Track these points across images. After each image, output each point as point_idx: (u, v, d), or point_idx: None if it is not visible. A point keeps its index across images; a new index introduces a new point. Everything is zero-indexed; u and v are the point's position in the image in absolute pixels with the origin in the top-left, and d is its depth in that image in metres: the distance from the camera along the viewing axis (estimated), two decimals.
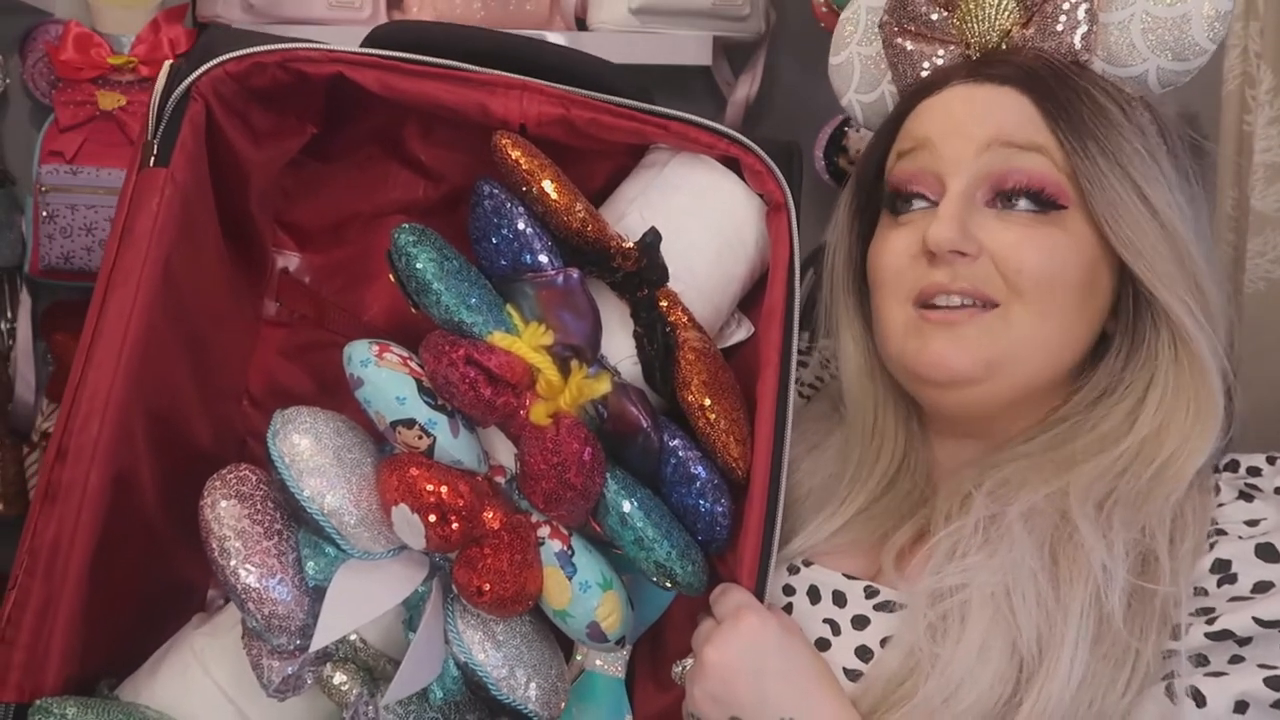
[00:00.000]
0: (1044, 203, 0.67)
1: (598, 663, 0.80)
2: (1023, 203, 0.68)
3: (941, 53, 0.74)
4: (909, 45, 0.74)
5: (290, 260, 0.82)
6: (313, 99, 0.72)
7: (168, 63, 0.68)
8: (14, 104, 1.19)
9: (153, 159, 0.66)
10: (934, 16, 0.72)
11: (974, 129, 0.69)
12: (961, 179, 0.68)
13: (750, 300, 0.78)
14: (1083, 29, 0.71)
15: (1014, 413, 0.72)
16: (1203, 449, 0.66)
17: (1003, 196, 0.68)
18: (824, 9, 1.08)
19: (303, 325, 0.83)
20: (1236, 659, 0.61)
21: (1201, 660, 0.62)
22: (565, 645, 0.75)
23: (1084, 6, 0.71)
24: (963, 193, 0.68)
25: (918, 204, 0.70)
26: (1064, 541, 0.64)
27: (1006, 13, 0.72)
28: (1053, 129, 0.68)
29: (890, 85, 0.79)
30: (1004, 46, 0.73)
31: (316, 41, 0.69)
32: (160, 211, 0.65)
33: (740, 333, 0.77)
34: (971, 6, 0.73)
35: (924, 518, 0.72)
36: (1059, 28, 0.71)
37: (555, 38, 1.11)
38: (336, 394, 0.74)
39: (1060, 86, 0.69)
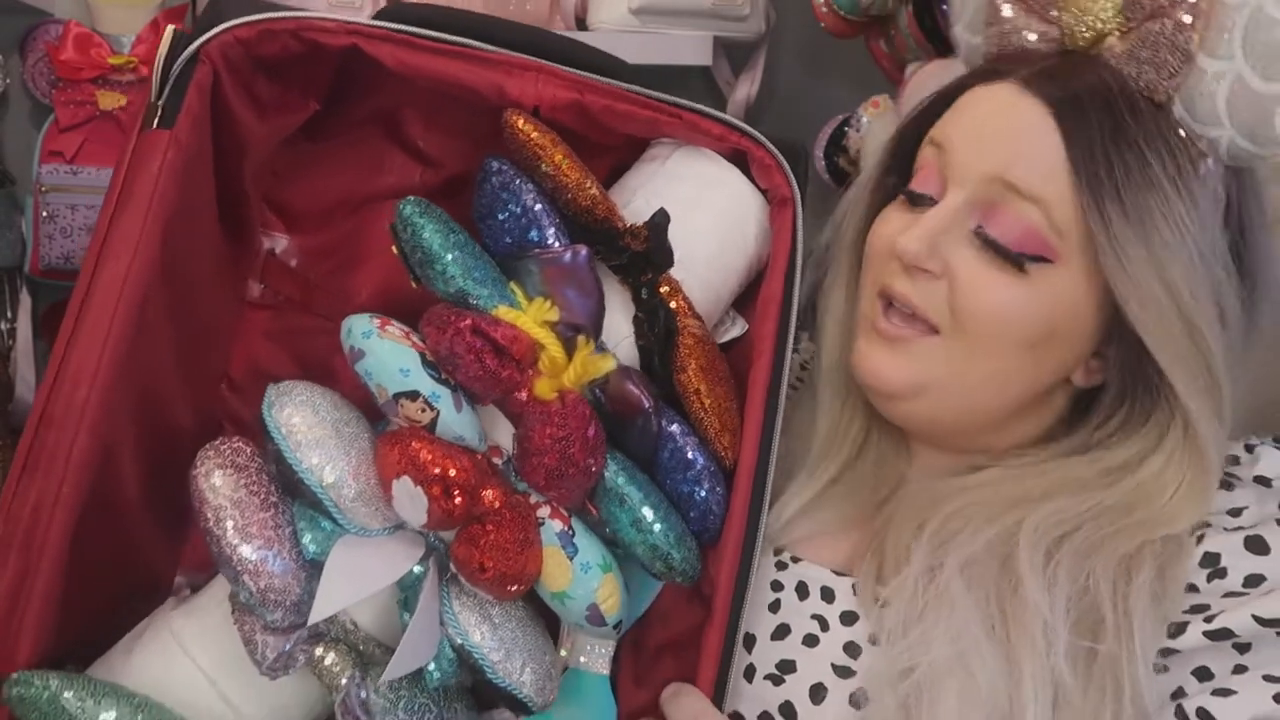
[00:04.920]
0: (1016, 259, 0.66)
1: (582, 659, 0.78)
2: (998, 249, 0.66)
3: (1033, 36, 0.69)
4: (1007, 9, 0.70)
5: (278, 242, 0.80)
6: (321, 72, 0.71)
7: (171, 27, 0.67)
8: (14, 104, 1.19)
9: (156, 121, 0.64)
10: None
11: (987, 151, 0.67)
12: (960, 194, 0.68)
13: (743, 300, 0.78)
14: (1170, 69, 0.65)
15: (972, 434, 0.72)
16: (1180, 523, 0.65)
17: (980, 234, 0.67)
18: (824, 9, 1.08)
19: (287, 309, 0.80)
20: (1239, 668, 0.61)
21: (1205, 673, 0.61)
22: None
23: (1181, 42, 0.64)
24: (953, 210, 0.68)
25: (924, 199, 0.70)
26: (1009, 595, 0.64)
27: (1108, 15, 0.67)
28: (1073, 177, 0.65)
29: None
30: (1092, 51, 0.69)
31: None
32: (162, 174, 0.62)
33: (734, 330, 0.78)
34: None
35: (887, 519, 0.72)
36: (1144, 56, 0.66)
37: None
38: (320, 379, 0.71)
39: (1109, 132, 0.65)
